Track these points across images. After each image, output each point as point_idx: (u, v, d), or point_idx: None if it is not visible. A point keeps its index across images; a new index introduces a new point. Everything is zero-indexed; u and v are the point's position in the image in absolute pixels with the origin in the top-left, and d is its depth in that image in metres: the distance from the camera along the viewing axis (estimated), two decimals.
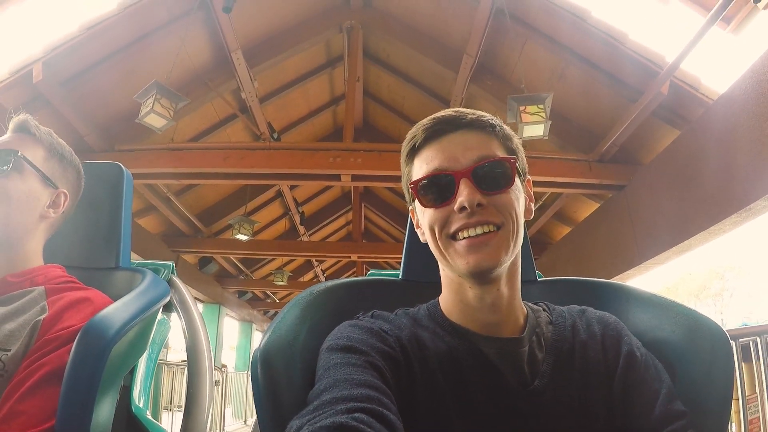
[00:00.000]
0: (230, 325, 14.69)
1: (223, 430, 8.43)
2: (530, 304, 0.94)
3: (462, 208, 0.79)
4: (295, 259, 12.51)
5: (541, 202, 6.68)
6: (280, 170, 5.67)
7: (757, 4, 3.29)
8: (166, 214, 7.57)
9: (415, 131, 0.88)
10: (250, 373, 0.82)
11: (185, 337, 1.34)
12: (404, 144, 0.90)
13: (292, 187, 8.74)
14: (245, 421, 12.10)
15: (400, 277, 1.14)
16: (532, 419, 0.78)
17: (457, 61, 5.31)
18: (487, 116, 0.87)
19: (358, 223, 10.17)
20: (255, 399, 0.79)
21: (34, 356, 0.93)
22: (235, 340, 15.18)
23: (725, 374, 0.80)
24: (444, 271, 0.90)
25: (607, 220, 5.71)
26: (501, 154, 0.85)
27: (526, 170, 0.91)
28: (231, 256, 10.42)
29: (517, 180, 0.85)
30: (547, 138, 4.23)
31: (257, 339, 16.35)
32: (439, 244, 0.83)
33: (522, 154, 0.90)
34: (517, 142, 0.90)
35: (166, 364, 7.05)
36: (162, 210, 7.39)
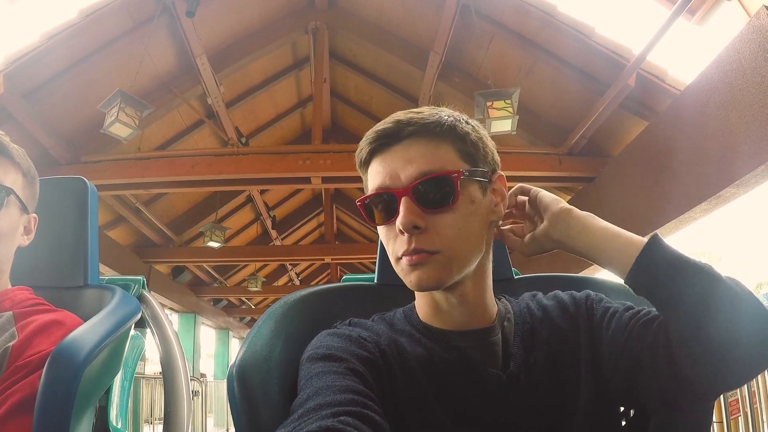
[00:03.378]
0: (207, 334, 14.60)
1: None
2: (497, 297, 0.95)
3: (400, 231, 0.78)
4: (268, 264, 12.43)
5: None
6: (250, 175, 5.65)
7: None
8: (137, 225, 7.46)
9: (362, 144, 0.86)
10: (227, 389, 0.80)
11: (159, 352, 1.31)
12: (356, 156, 0.89)
13: (262, 192, 8.68)
14: (227, 430, 12.00)
15: (375, 281, 1.14)
16: (514, 403, 0.80)
17: (424, 59, 5.30)
18: (435, 116, 0.82)
19: (330, 225, 10.14)
20: (233, 416, 0.79)
21: (5, 384, 0.90)
22: (212, 348, 15.08)
23: None
24: None
25: None
26: (452, 160, 0.81)
27: (496, 166, 0.88)
28: (204, 264, 10.32)
29: (470, 190, 0.81)
30: (515, 133, 4.25)
31: (235, 346, 16.26)
32: (392, 262, 0.84)
33: (488, 149, 0.86)
34: (475, 137, 0.84)
35: (143, 377, 6.95)
36: (132, 221, 7.28)
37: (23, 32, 4.76)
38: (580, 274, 1.11)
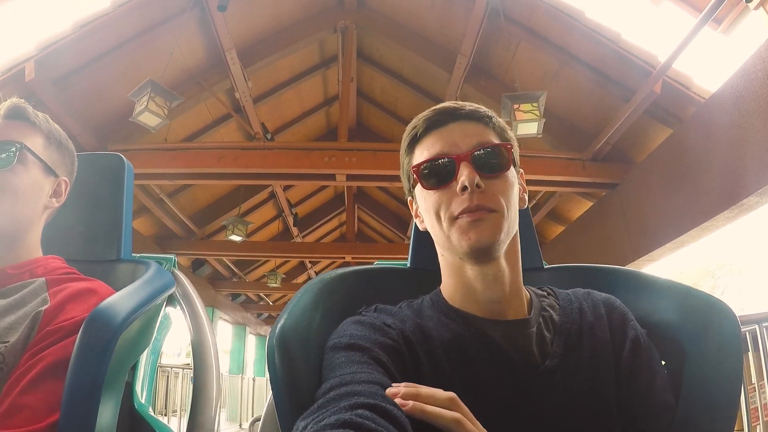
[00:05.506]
0: (224, 329, 14.65)
1: None
2: (534, 288, 0.95)
3: (464, 188, 0.81)
4: (288, 261, 12.48)
5: (534, 201, 6.70)
6: (275, 170, 5.67)
7: (749, 4, 3.32)
8: (159, 216, 7.53)
9: (416, 122, 0.91)
10: (266, 357, 0.80)
11: (190, 331, 1.32)
12: (405, 135, 0.94)
13: (285, 189, 8.72)
14: (240, 425, 12.05)
15: (408, 265, 1.15)
16: (544, 400, 0.79)
17: (451, 61, 5.32)
18: (483, 109, 0.91)
19: (351, 224, 10.17)
20: (272, 383, 0.79)
21: (36, 348, 0.91)
22: (228, 343, 15.10)
23: (735, 352, 0.80)
24: (444, 257, 0.92)
25: (601, 218, 5.74)
26: (497, 142, 0.89)
27: (519, 163, 0.94)
28: (224, 258, 10.38)
29: (512, 169, 0.88)
30: (540, 136, 4.25)
31: (251, 342, 16.29)
32: (443, 226, 0.85)
33: (516, 145, 0.92)
34: (511, 134, 0.93)
35: (160, 367, 7.00)
36: (155, 211, 7.36)
37: (56, 20, 4.85)
38: (612, 266, 1.09)
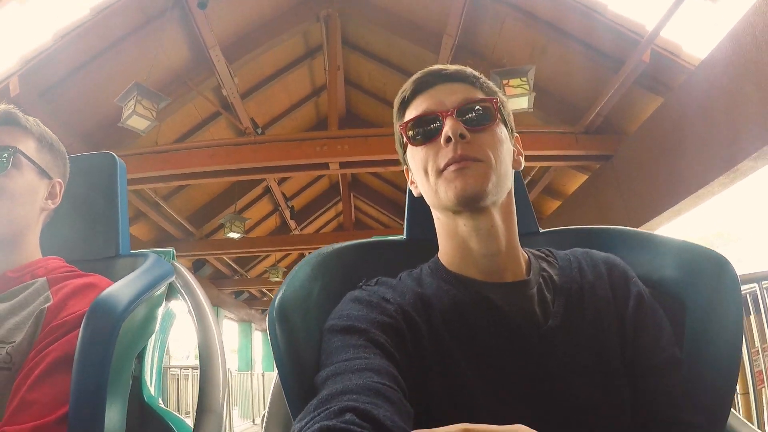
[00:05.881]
0: (230, 328, 14.70)
1: (232, 430, 8.43)
2: (531, 250, 0.95)
3: (448, 139, 0.82)
4: (289, 254, 12.50)
5: (529, 177, 6.71)
6: (268, 163, 5.68)
7: None
8: (156, 220, 7.53)
9: (404, 86, 0.93)
10: (267, 329, 0.81)
11: (193, 320, 1.33)
12: (395, 100, 0.95)
13: (280, 182, 8.72)
14: (253, 421, 12.12)
15: (405, 236, 1.14)
16: (548, 360, 0.79)
17: (437, 42, 5.30)
18: (468, 69, 0.92)
19: (348, 213, 10.18)
20: (275, 355, 0.79)
21: (41, 345, 0.92)
22: (236, 342, 15.15)
23: (733, 300, 0.80)
24: (438, 219, 0.92)
25: (597, 191, 5.75)
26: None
27: (514, 129, 0.94)
28: (225, 257, 10.40)
29: (502, 126, 0.89)
30: (531, 111, 4.25)
31: (257, 338, 16.33)
32: (431, 179, 0.86)
33: (507, 105, 0.93)
34: (501, 97, 0.92)
35: (169, 368, 7.02)
36: (151, 216, 7.36)
37: (36, 33, 4.83)
38: (608, 226, 1.08)
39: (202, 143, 6.08)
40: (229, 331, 14.66)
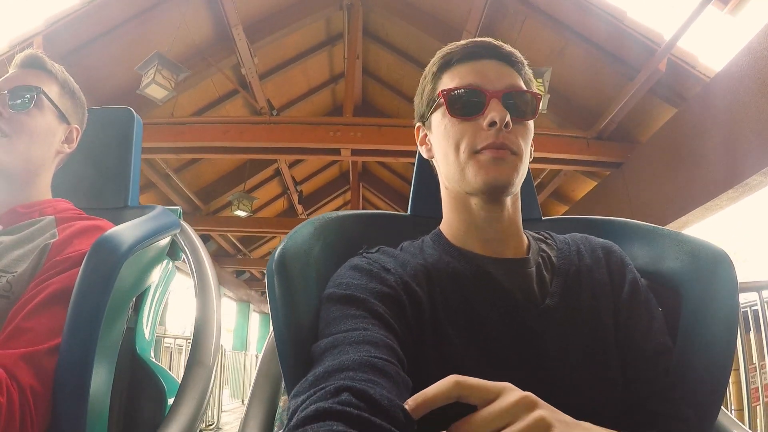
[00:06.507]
0: (228, 306, 14.71)
1: (221, 410, 8.47)
2: (532, 233, 0.96)
3: (492, 123, 0.82)
4: None
5: (539, 180, 6.72)
6: (280, 144, 5.70)
7: None
8: (165, 191, 7.58)
9: (451, 48, 0.91)
10: (266, 281, 0.82)
11: (193, 276, 1.35)
12: (434, 59, 0.94)
13: (290, 166, 8.75)
14: (243, 401, 12.14)
15: (409, 212, 1.16)
16: (544, 336, 0.80)
17: (457, 38, 5.13)
18: (519, 54, 0.92)
19: (356, 202, 10.18)
20: (271, 308, 0.79)
21: (43, 276, 0.95)
22: (232, 322, 15.15)
23: (729, 291, 0.81)
24: (448, 191, 0.93)
25: (605, 197, 5.76)
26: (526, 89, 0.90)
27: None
28: (229, 234, 10.44)
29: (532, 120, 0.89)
30: (545, 112, 4.27)
31: (255, 320, 16.37)
32: (461, 157, 0.85)
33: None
34: (535, 87, 0.93)
35: (163, 337, 7.04)
36: (161, 187, 7.40)
37: None
38: (610, 217, 1.10)
39: (217, 119, 6.13)
40: (227, 310, 14.68)
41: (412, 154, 1.01)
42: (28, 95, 1.11)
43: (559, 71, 4.84)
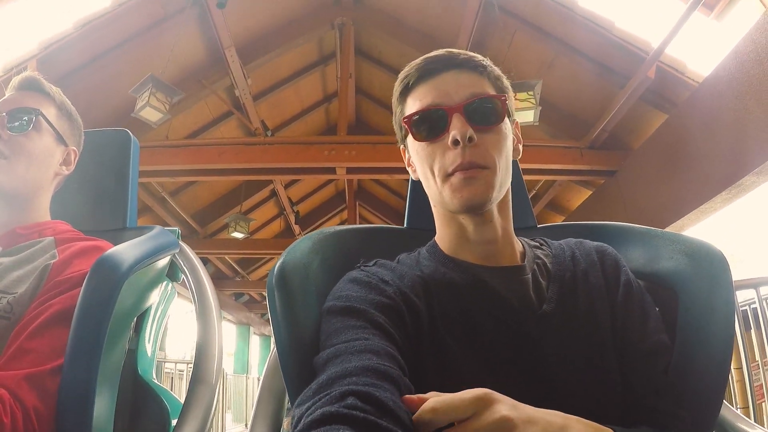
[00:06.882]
0: (228, 330, 14.61)
1: None
2: (526, 240, 0.96)
3: (455, 141, 0.81)
4: None
5: (534, 192, 6.74)
6: (276, 164, 5.72)
7: None
8: (161, 215, 7.57)
9: (408, 70, 0.89)
10: (267, 296, 0.83)
11: (193, 297, 1.35)
12: (397, 84, 0.92)
13: (286, 186, 8.76)
14: (246, 425, 12.02)
15: (405, 225, 1.17)
16: (542, 342, 0.80)
17: None
18: (478, 57, 0.89)
19: (353, 220, 10.19)
20: (272, 319, 0.80)
21: (44, 297, 0.95)
22: (233, 345, 15.04)
23: (724, 288, 0.81)
24: (436, 208, 0.93)
25: (601, 206, 5.78)
26: (492, 92, 0.87)
27: (513, 113, 0.94)
28: (227, 257, 10.42)
29: (506, 120, 0.87)
30: (537, 124, 4.30)
31: (255, 342, 16.27)
32: (436, 181, 0.85)
33: (511, 94, 0.92)
34: (506, 83, 0.92)
35: (164, 361, 7.00)
36: (157, 210, 7.40)
37: (57, 19, 4.92)
38: (604, 222, 1.10)
39: (212, 141, 6.15)
40: (227, 333, 14.59)
41: (407, 170, 1.01)
42: (26, 117, 1.12)
43: (549, 83, 4.88)
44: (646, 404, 0.78)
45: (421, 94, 0.87)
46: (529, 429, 0.59)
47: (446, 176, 0.83)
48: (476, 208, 0.83)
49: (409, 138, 0.90)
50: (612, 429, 0.68)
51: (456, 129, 0.81)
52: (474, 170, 0.81)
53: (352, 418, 0.56)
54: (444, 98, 0.85)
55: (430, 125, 0.85)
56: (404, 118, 0.88)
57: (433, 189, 0.87)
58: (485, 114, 0.84)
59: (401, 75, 0.91)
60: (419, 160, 0.88)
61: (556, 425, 0.61)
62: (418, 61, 0.90)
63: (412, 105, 0.88)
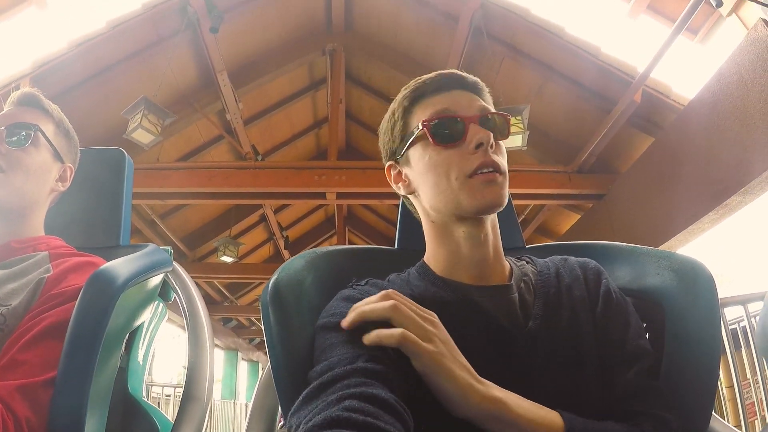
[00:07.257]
0: (216, 355, 14.35)
1: None
2: (513, 259, 0.97)
3: (479, 144, 0.84)
4: None
5: (523, 216, 6.78)
6: (266, 189, 5.73)
7: (720, 9, 3.46)
8: (151, 238, 7.52)
9: (420, 82, 0.93)
10: (261, 313, 0.84)
11: (184, 315, 1.36)
12: (404, 94, 0.94)
13: (276, 211, 8.76)
14: None
15: (396, 246, 1.18)
16: (529, 359, 0.81)
17: None
18: (483, 83, 0.95)
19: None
20: (266, 335, 0.81)
21: (37, 310, 0.95)
22: (220, 371, 14.88)
23: (709, 299, 0.83)
24: (433, 223, 0.93)
25: (590, 229, 5.81)
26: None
27: None
28: (216, 281, 10.35)
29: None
30: (525, 149, 4.34)
31: (243, 368, 16.09)
32: (453, 185, 0.85)
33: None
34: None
35: (151, 385, 6.93)
36: (146, 233, 7.36)
37: (51, 39, 4.96)
38: (591, 241, 1.12)
39: (203, 164, 6.15)
40: (215, 358, 14.37)
41: (397, 195, 1.02)
42: (24, 132, 1.13)
43: (538, 108, 4.95)
44: (625, 407, 0.79)
45: (434, 102, 0.91)
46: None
47: (466, 178, 0.85)
48: (493, 210, 0.86)
49: (416, 147, 0.91)
50: (560, 413, 0.72)
51: (481, 133, 0.85)
52: (494, 173, 0.84)
53: (352, 421, 0.57)
54: (459, 109, 0.88)
55: (448, 131, 0.87)
56: (424, 121, 0.89)
57: (444, 194, 0.87)
58: (498, 127, 0.89)
59: (411, 86, 0.94)
60: (431, 166, 0.88)
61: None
62: (429, 75, 0.93)
63: (423, 112, 0.91)
